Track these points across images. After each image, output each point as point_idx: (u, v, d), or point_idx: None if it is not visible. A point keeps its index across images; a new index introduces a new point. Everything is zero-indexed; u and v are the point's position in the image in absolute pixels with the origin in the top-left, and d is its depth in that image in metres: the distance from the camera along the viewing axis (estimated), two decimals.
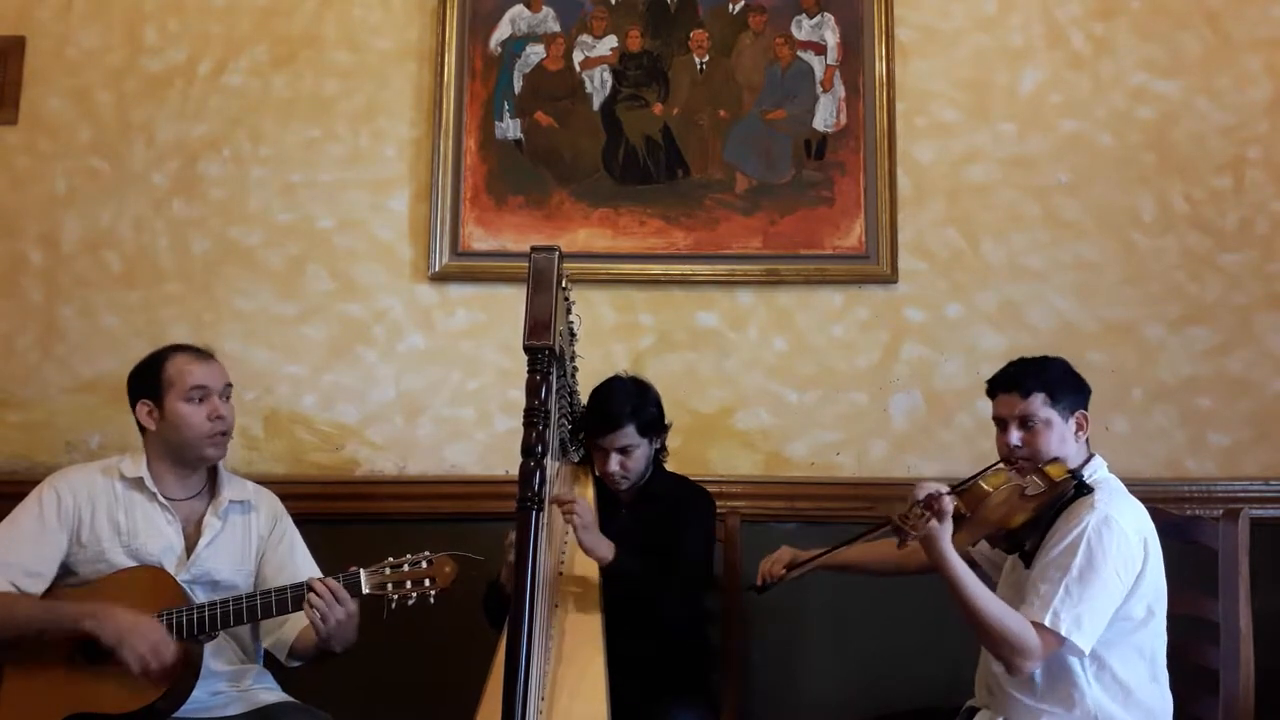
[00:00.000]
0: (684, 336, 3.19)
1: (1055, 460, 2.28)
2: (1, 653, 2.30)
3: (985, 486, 2.19)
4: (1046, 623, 2.13)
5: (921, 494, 2.12)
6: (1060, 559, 2.17)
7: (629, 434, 2.55)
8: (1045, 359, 2.40)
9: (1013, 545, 2.32)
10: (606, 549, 2.39)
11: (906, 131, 3.21)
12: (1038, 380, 2.32)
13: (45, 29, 3.31)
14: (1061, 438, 2.31)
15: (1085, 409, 2.36)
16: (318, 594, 2.26)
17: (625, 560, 2.40)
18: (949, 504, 2.12)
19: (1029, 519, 2.25)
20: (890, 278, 3.15)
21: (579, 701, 2.13)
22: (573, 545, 2.48)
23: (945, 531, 2.13)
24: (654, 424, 2.62)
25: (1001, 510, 2.21)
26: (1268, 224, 3.16)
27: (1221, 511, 2.51)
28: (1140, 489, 2.56)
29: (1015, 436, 2.32)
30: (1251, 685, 2.35)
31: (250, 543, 2.53)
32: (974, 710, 2.36)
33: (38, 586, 2.35)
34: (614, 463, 2.56)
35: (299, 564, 2.53)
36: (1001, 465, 2.28)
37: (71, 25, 3.31)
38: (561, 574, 2.44)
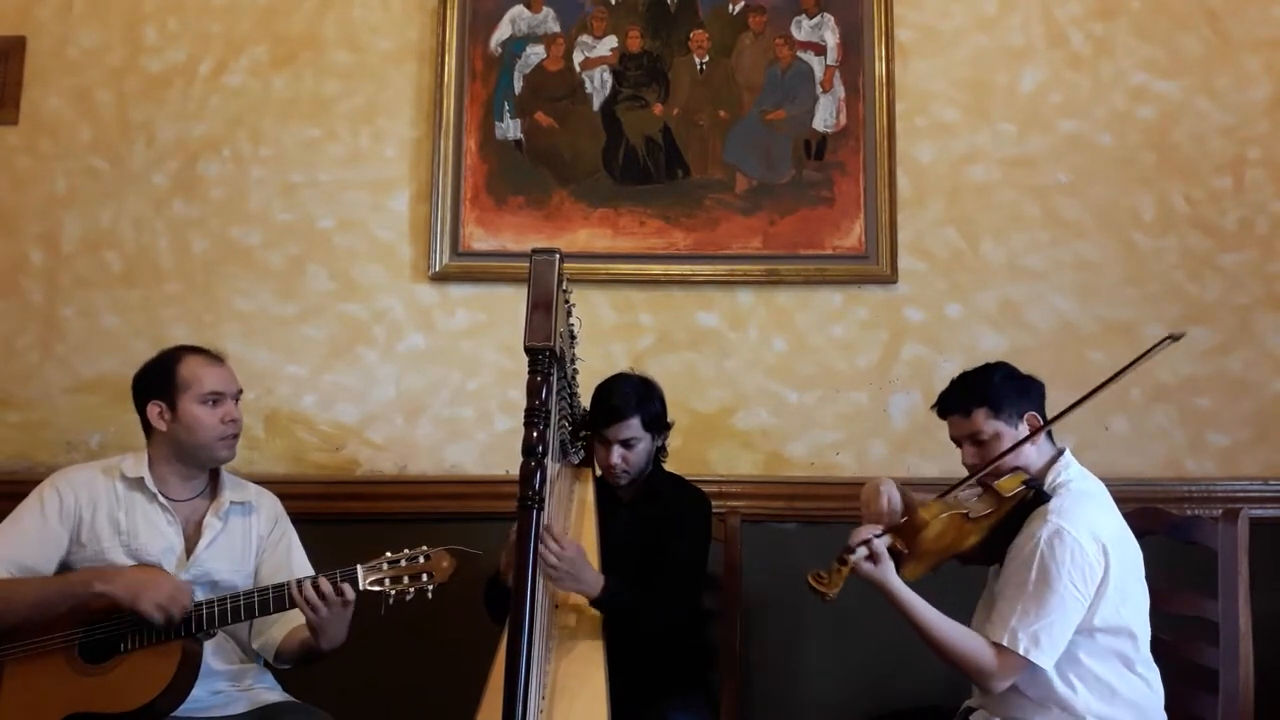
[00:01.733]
0: (684, 336, 3.19)
1: (1013, 471, 2.27)
2: (7, 640, 2.31)
3: (921, 518, 2.19)
4: (1005, 643, 2.14)
5: (854, 540, 2.15)
6: (1015, 576, 2.18)
7: (633, 426, 2.57)
8: (984, 369, 2.39)
9: (990, 557, 2.31)
10: (593, 585, 2.35)
11: (906, 131, 3.21)
12: (975, 396, 2.32)
13: (45, 29, 3.32)
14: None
15: (1036, 409, 2.35)
16: (319, 590, 2.26)
17: (615, 591, 2.36)
18: (880, 545, 2.15)
19: (985, 537, 2.24)
20: (890, 278, 3.15)
21: (579, 701, 2.13)
22: None
23: (887, 570, 2.15)
24: (658, 420, 2.63)
25: (947, 539, 2.21)
26: (1268, 224, 3.16)
27: (1221, 511, 2.50)
28: (1140, 489, 2.57)
29: (969, 454, 2.33)
30: (1251, 685, 2.35)
31: (250, 543, 2.53)
32: (971, 710, 2.37)
33: None
34: (616, 455, 2.57)
35: (295, 567, 2.54)
36: (925, 498, 2.26)
37: (72, 25, 3.32)
38: None
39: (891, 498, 2.25)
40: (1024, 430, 2.31)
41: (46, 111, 3.29)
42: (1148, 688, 2.24)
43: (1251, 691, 2.35)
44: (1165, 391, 3.12)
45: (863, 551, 2.15)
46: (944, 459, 3.07)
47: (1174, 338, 2.26)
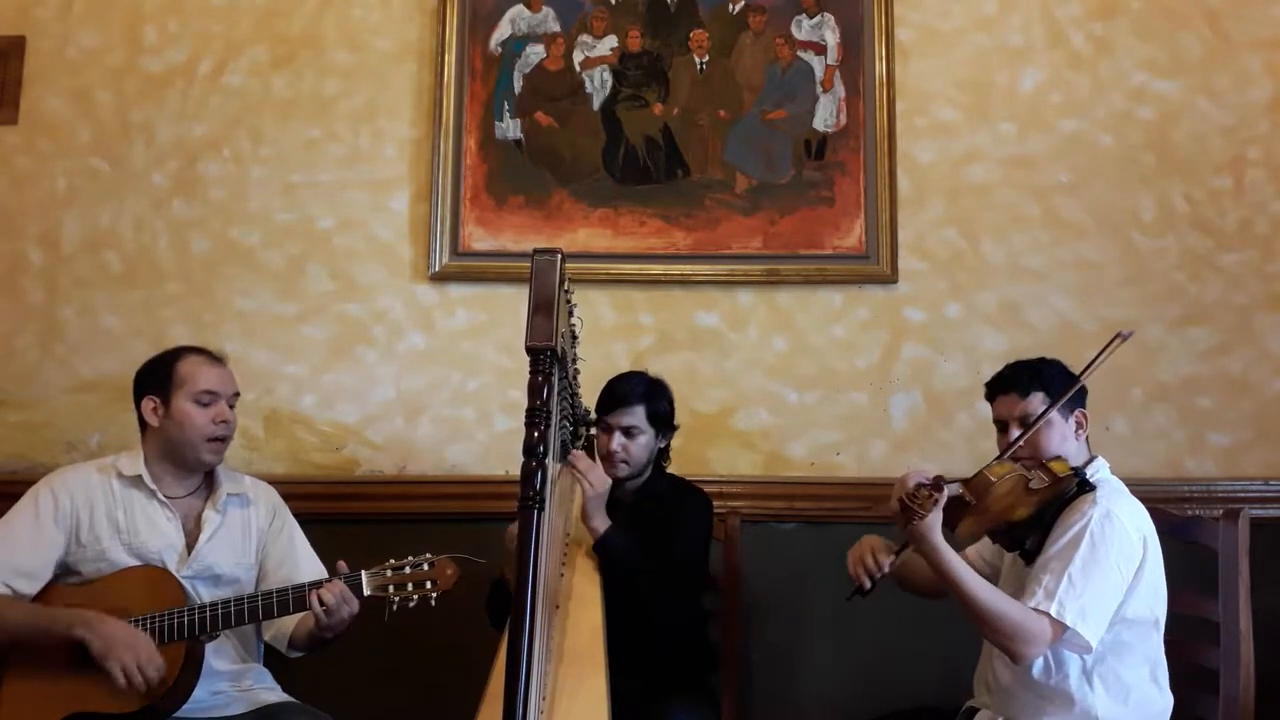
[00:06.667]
0: (684, 336, 3.19)
1: (1058, 458, 2.28)
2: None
3: (990, 475, 2.19)
4: (1052, 612, 2.12)
5: (925, 478, 2.14)
6: (1063, 551, 2.18)
7: (637, 414, 2.58)
8: (1042, 360, 2.40)
9: (1013, 542, 2.32)
10: (602, 522, 2.44)
11: (906, 131, 3.21)
12: (1036, 380, 2.33)
13: (45, 29, 3.31)
14: (1063, 436, 2.32)
15: (1084, 407, 2.37)
16: (331, 594, 2.26)
17: (616, 537, 2.44)
18: (946, 492, 2.13)
19: (1031, 514, 2.25)
20: (890, 278, 3.15)
21: (580, 701, 2.13)
22: (574, 546, 2.48)
23: (937, 520, 2.14)
24: (662, 417, 2.64)
25: (1006, 500, 2.22)
26: (1268, 224, 3.16)
27: (1221, 511, 2.51)
28: (1140, 489, 2.56)
29: (1016, 437, 2.32)
30: (1252, 685, 2.36)
31: (250, 536, 2.54)
32: (974, 710, 2.37)
33: (31, 587, 2.36)
34: (616, 441, 2.58)
35: (299, 557, 2.54)
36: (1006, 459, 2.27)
37: (71, 25, 3.31)
38: (563, 574, 2.44)
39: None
40: (1072, 424, 2.34)
41: (46, 111, 3.29)
42: (1161, 694, 2.26)
43: (1252, 691, 2.36)
44: (1165, 391, 3.12)
45: (949, 490, 2.13)
46: (944, 459, 3.08)
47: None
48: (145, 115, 3.28)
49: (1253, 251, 3.15)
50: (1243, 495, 3.01)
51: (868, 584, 2.28)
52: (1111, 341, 2.30)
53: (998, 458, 2.28)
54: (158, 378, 2.47)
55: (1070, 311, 3.15)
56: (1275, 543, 2.85)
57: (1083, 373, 2.30)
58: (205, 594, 2.40)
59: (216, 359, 2.52)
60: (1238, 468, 3.08)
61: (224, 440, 2.48)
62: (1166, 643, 2.31)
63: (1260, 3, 3.23)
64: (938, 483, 2.13)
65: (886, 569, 2.27)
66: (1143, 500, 2.34)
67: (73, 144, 3.27)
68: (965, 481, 2.20)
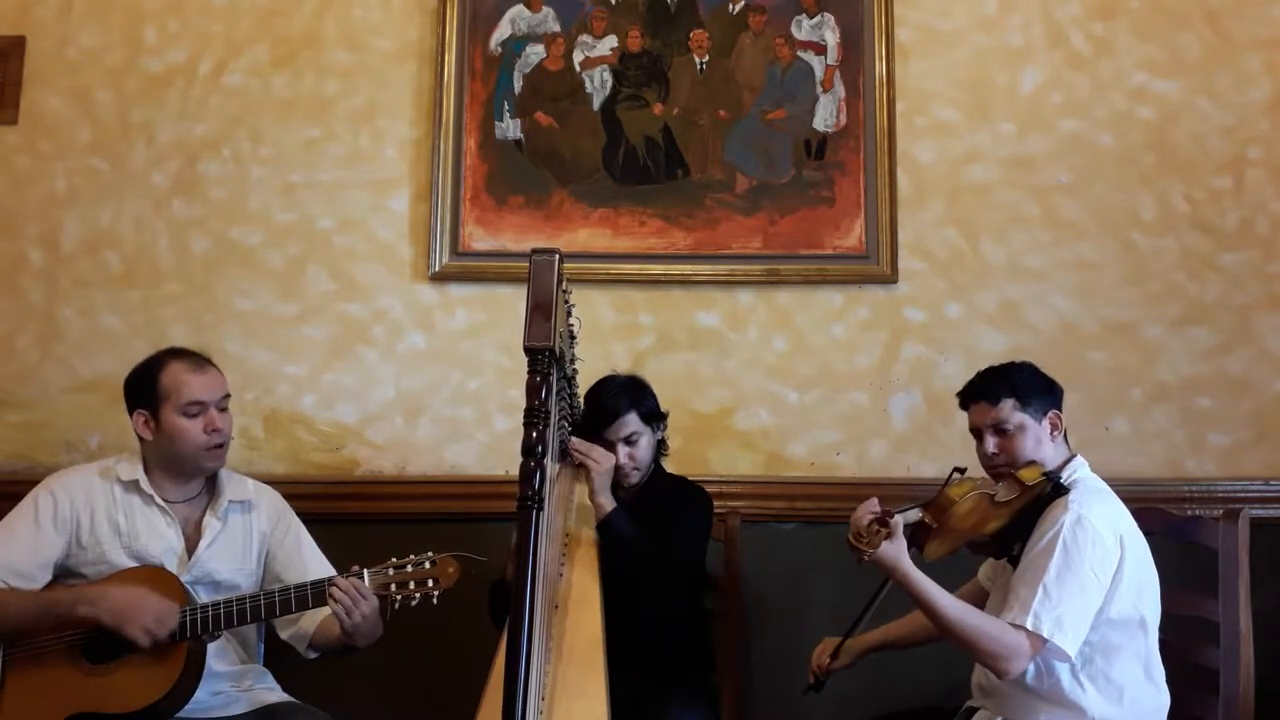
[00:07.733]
0: (684, 336, 3.19)
1: (1030, 464, 2.29)
2: (10, 641, 2.31)
3: (950, 495, 2.19)
4: (1028, 625, 2.12)
5: (874, 512, 2.12)
6: (1037, 560, 2.18)
7: (632, 421, 2.58)
8: (1010, 365, 2.41)
9: (1001, 550, 2.32)
10: (608, 500, 2.48)
11: (906, 131, 3.21)
12: (1005, 386, 2.34)
13: (45, 29, 3.31)
14: (1037, 440, 2.32)
15: (1058, 409, 2.37)
16: (341, 589, 2.26)
17: (620, 519, 2.46)
18: (897, 522, 2.12)
19: (1006, 524, 2.25)
20: (890, 278, 3.15)
21: (579, 701, 2.12)
22: (573, 545, 2.48)
23: (900, 549, 2.12)
24: (654, 413, 2.65)
25: (972, 519, 2.22)
26: (1268, 224, 3.16)
27: (1221, 512, 2.51)
28: (1140, 489, 2.59)
29: (991, 444, 2.34)
30: (1252, 685, 2.36)
31: (251, 542, 2.53)
32: (973, 710, 2.37)
33: (28, 588, 2.35)
34: (623, 454, 2.58)
35: (307, 559, 2.53)
36: (958, 476, 2.26)
37: (72, 25, 3.31)
38: (562, 574, 2.44)
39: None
40: (1046, 427, 2.34)
41: (46, 111, 3.29)
42: (1156, 692, 2.26)
43: (1252, 692, 2.36)
44: (1165, 391, 3.12)
45: (898, 520, 2.13)
46: (944, 459, 3.07)
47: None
48: (145, 115, 3.28)
49: (1253, 251, 3.15)
50: (1243, 495, 3.00)
51: (811, 680, 2.51)
52: (951, 475, 2.28)
53: (948, 478, 2.26)
54: (144, 391, 2.43)
55: (1070, 311, 3.15)
56: (1275, 543, 2.85)
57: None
58: (204, 599, 2.38)
59: (201, 362, 2.47)
60: (1238, 468, 3.08)
61: (222, 446, 2.46)
62: (1166, 643, 2.31)
63: (1260, 3, 3.23)
64: (884, 518, 2.11)
65: (828, 668, 2.50)
66: (1143, 500, 2.34)
67: (73, 144, 3.27)
68: (925, 505, 2.19)
